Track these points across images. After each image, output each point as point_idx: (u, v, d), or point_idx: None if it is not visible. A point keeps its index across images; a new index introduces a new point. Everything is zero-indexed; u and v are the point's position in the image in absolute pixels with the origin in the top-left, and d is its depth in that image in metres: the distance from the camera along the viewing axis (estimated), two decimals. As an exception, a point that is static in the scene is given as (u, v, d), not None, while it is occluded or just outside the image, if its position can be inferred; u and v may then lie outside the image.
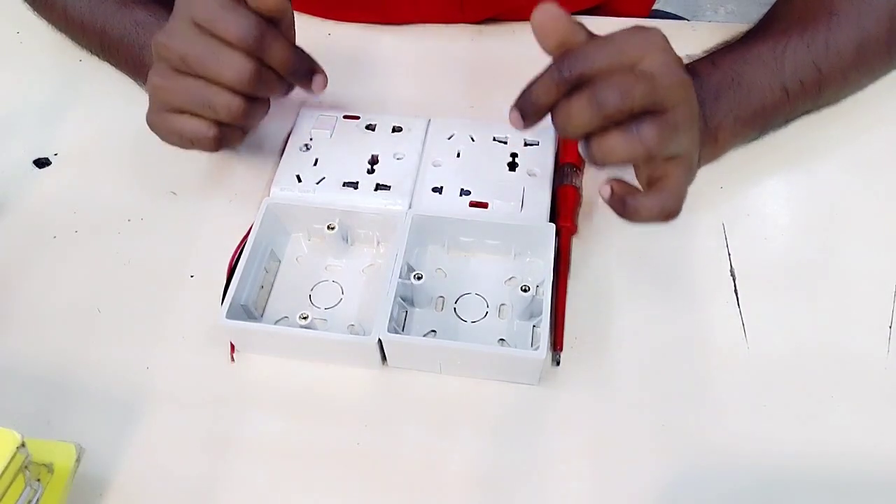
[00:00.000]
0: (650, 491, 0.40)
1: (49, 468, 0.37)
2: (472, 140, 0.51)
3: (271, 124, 0.53)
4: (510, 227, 0.46)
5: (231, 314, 0.43)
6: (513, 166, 0.49)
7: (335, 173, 0.49)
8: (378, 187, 0.48)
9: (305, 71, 0.46)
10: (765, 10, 0.53)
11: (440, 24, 0.62)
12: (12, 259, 0.50)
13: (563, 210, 0.48)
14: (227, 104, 0.44)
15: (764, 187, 0.51)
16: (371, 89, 0.58)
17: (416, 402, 0.43)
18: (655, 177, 0.40)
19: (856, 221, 0.49)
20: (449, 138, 0.51)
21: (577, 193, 0.49)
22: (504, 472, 0.40)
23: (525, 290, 0.43)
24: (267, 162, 0.53)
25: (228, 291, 0.43)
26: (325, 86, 0.47)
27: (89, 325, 0.46)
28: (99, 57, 0.58)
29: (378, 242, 0.48)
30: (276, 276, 0.48)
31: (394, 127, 0.52)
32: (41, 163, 0.55)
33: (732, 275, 0.47)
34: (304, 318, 0.42)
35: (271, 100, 0.48)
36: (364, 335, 0.42)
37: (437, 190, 0.48)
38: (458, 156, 0.50)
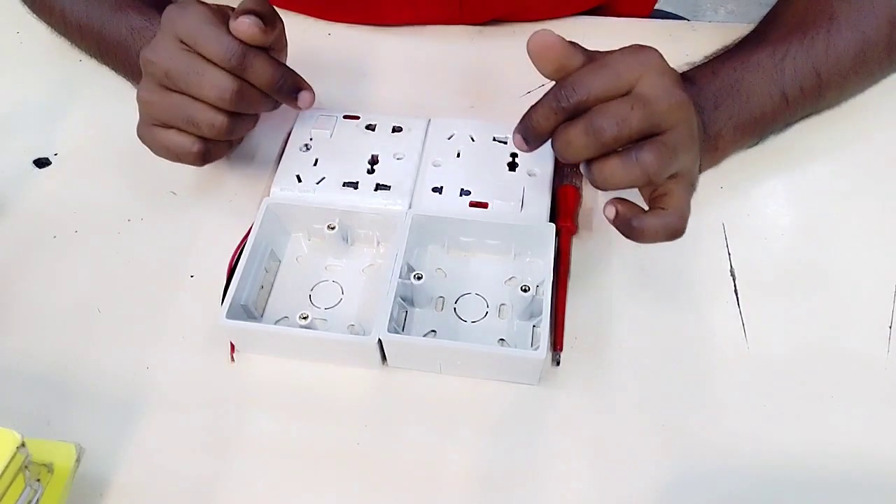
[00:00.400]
0: (650, 491, 0.40)
1: (49, 468, 0.37)
2: (472, 140, 0.51)
3: (271, 124, 0.54)
4: (510, 227, 0.46)
5: (231, 314, 0.43)
6: (513, 166, 0.49)
7: (335, 173, 0.49)
8: (378, 187, 0.48)
9: (290, 88, 0.46)
10: (765, 10, 0.53)
11: (440, 25, 0.62)
12: (12, 259, 0.50)
13: (563, 210, 0.48)
14: (210, 121, 0.44)
15: (764, 187, 0.51)
16: (371, 89, 0.58)
17: (416, 402, 0.43)
18: (658, 194, 0.40)
19: (856, 221, 0.49)
20: (449, 138, 0.51)
21: (577, 193, 0.49)
22: (504, 472, 0.40)
23: (525, 290, 0.43)
24: (267, 162, 0.53)
25: (228, 291, 0.43)
26: (312, 102, 0.47)
27: (89, 325, 0.46)
28: (97, 60, 0.58)
29: (378, 242, 0.48)
30: (276, 276, 0.48)
31: (394, 127, 0.52)
32: (41, 163, 0.55)
33: (732, 275, 0.47)
34: (304, 318, 0.42)
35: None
36: (364, 335, 0.42)
37: (437, 190, 0.48)
38: (458, 156, 0.50)
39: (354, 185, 0.49)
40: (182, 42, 0.43)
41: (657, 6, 0.71)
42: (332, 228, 0.46)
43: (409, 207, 0.48)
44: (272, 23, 0.44)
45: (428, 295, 0.45)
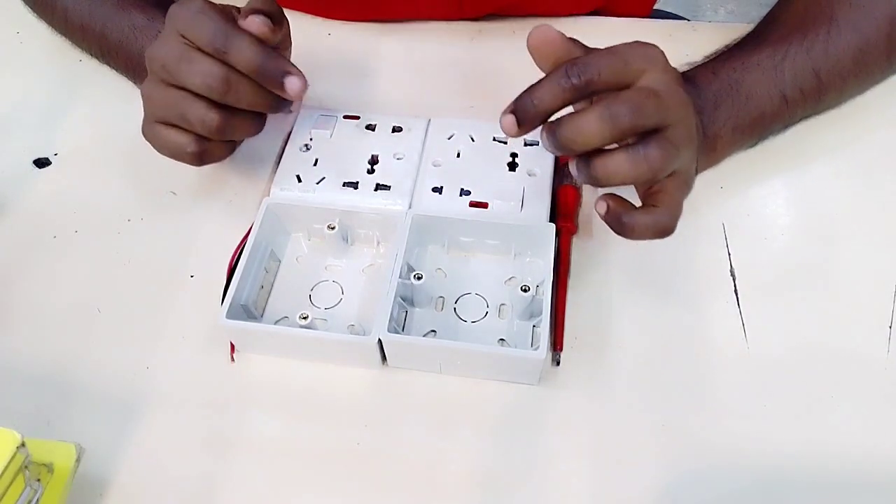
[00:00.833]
0: (650, 491, 0.40)
1: (49, 468, 0.37)
2: (472, 140, 0.51)
3: (271, 124, 0.53)
4: (510, 227, 0.46)
5: (231, 314, 0.43)
6: (513, 166, 0.49)
7: (335, 173, 0.49)
8: (378, 187, 0.48)
9: (276, 72, 0.42)
10: (765, 10, 0.53)
11: (440, 22, 0.62)
12: (12, 259, 0.50)
13: (563, 210, 0.48)
14: (201, 117, 0.43)
15: (764, 188, 0.51)
16: (371, 89, 0.58)
17: (416, 402, 0.43)
18: (653, 191, 0.40)
19: (856, 221, 0.49)
20: (449, 138, 0.51)
21: (577, 193, 0.49)
22: (504, 472, 0.40)
23: (525, 290, 0.43)
24: (267, 162, 0.53)
25: (228, 291, 0.43)
26: (302, 89, 0.43)
27: (89, 325, 0.46)
28: (99, 60, 0.58)
29: (378, 242, 0.48)
30: (276, 276, 0.48)
31: (394, 127, 0.52)
32: (41, 163, 0.55)
33: (732, 275, 0.47)
34: (304, 318, 0.42)
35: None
36: (364, 335, 0.42)
37: (437, 190, 0.48)
38: (458, 156, 0.50)
39: (354, 185, 0.49)
40: (180, 35, 0.42)
41: (657, 6, 0.71)
42: (332, 228, 0.46)
43: (409, 207, 0.48)
44: (280, 22, 0.44)
45: (428, 295, 0.45)
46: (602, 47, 0.39)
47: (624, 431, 0.42)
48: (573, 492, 0.40)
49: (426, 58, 0.60)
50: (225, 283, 0.44)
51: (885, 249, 0.48)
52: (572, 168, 0.39)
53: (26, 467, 0.35)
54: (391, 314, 0.42)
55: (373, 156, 0.50)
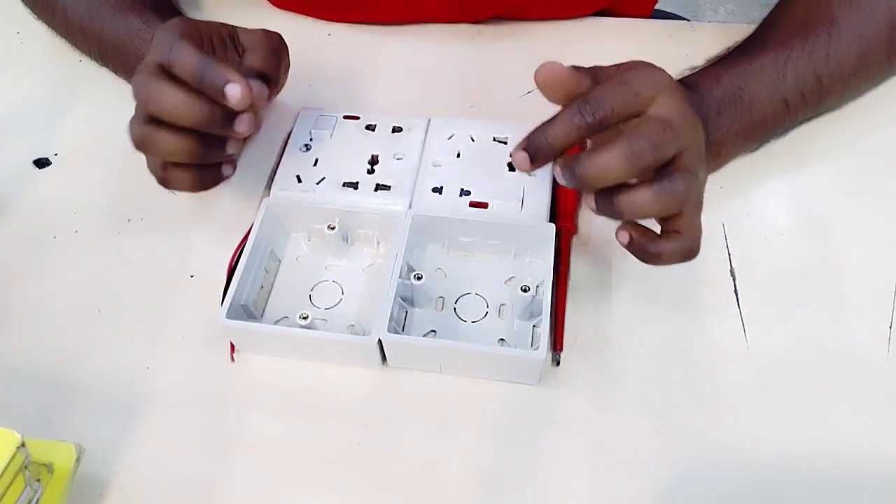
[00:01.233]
0: (650, 491, 0.40)
1: (49, 468, 0.37)
2: (472, 140, 0.51)
3: (271, 124, 0.54)
4: (510, 227, 0.46)
5: (231, 314, 0.43)
6: (513, 166, 0.49)
7: (335, 173, 0.49)
8: (378, 187, 0.48)
9: (215, 80, 0.40)
10: (765, 10, 0.53)
11: (440, 24, 0.62)
12: (12, 259, 0.50)
13: (563, 210, 0.48)
14: (138, 132, 0.42)
15: (764, 188, 0.51)
16: (371, 89, 0.58)
17: (416, 402, 0.43)
18: (672, 216, 0.40)
19: (856, 222, 0.49)
20: (449, 138, 0.51)
21: (577, 194, 0.48)
22: (504, 472, 0.40)
23: (525, 290, 0.43)
24: (267, 162, 0.53)
25: (228, 291, 0.43)
26: (243, 98, 0.40)
27: (89, 325, 0.46)
28: (98, 62, 0.58)
29: (378, 242, 0.48)
30: (276, 276, 0.48)
31: (394, 127, 0.52)
32: (41, 163, 0.55)
33: (732, 275, 0.47)
34: (304, 318, 0.42)
35: (264, 119, 0.47)
36: (364, 335, 0.42)
37: (437, 190, 0.48)
38: (458, 156, 0.50)
39: (354, 185, 0.49)
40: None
41: (657, 6, 0.71)
42: (332, 228, 0.46)
43: (409, 207, 0.48)
44: (276, 82, 0.45)
45: (428, 295, 0.45)
46: (603, 65, 0.39)
47: (624, 431, 0.42)
48: (573, 492, 0.40)
49: (426, 58, 0.60)
50: (225, 283, 0.44)
51: (885, 249, 0.48)
52: (587, 201, 0.39)
53: (26, 467, 0.35)
54: (391, 314, 0.42)
55: (373, 156, 0.50)
